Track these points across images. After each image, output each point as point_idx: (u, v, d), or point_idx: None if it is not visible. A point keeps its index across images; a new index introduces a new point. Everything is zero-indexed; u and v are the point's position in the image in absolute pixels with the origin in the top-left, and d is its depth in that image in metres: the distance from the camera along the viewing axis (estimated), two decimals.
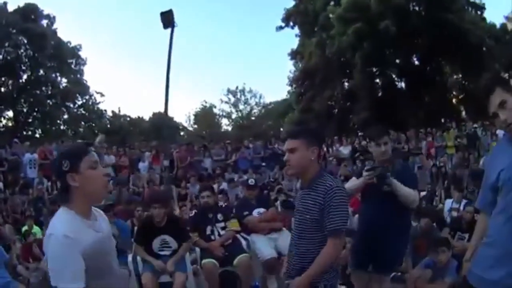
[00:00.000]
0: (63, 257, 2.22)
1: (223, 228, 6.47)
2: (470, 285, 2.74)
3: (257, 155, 17.83)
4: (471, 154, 16.11)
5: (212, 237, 6.38)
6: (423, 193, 11.62)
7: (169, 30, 16.07)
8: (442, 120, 31.00)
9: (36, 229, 10.36)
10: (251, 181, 7.71)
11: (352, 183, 4.70)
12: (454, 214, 9.37)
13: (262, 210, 7.10)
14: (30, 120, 40.24)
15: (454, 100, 35.13)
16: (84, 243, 2.27)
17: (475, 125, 17.77)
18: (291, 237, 3.57)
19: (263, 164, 17.31)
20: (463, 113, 33.82)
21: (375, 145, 4.60)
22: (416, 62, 32.51)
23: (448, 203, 10.18)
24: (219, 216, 6.52)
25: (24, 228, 10.19)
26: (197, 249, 6.46)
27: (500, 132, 14.55)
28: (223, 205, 7.04)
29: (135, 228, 7.12)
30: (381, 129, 4.79)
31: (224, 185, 14.93)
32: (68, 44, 39.82)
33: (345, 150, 17.67)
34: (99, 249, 2.37)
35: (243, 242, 6.77)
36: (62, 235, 2.22)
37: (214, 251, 6.12)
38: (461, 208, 9.23)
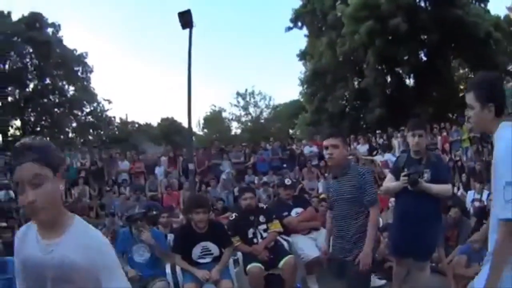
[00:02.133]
0: None
1: (265, 230, 6.29)
2: None
3: (275, 157, 17.66)
4: (484, 147, 16.19)
5: (255, 240, 6.18)
6: None
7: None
8: (451, 115, 31.33)
9: None
10: (288, 181, 7.49)
11: (391, 183, 5.10)
12: (477, 204, 9.91)
13: (299, 209, 7.02)
14: (38, 129, 39.59)
15: (460, 94, 35.06)
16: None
17: None
18: (336, 223, 4.54)
19: (284, 165, 17.09)
20: None
21: (411, 135, 4.95)
22: (424, 58, 32.58)
23: (470, 194, 10.77)
24: (261, 218, 6.32)
25: None
26: (239, 254, 6.25)
27: None
28: (264, 207, 6.77)
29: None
30: (418, 121, 5.19)
31: None
32: (74, 51, 39.66)
33: (363, 149, 17.48)
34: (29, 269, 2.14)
35: (285, 244, 6.60)
36: None
37: (258, 255, 5.94)
38: (484, 198, 9.98)
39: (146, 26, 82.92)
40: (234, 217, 6.62)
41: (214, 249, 5.70)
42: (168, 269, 5.91)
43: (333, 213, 4.63)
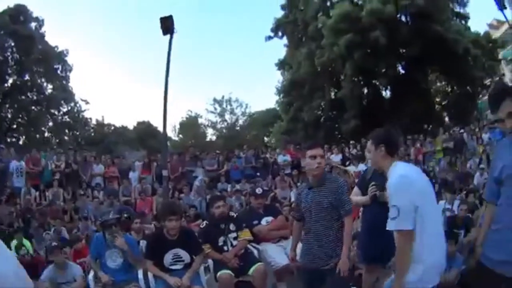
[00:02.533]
0: None
1: (235, 238, 6.42)
2: (484, 266, 3.22)
3: (248, 165, 17.72)
4: (457, 158, 16.81)
5: (225, 248, 6.31)
6: None
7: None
8: (425, 126, 31.70)
9: (26, 242, 10.04)
10: (259, 190, 7.60)
11: (359, 197, 5.43)
12: (448, 214, 10.02)
13: (270, 218, 7.17)
14: (14, 126, 39.22)
15: (437, 107, 35.94)
16: None
17: (462, 131, 18.54)
18: (310, 232, 4.66)
19: (257, 173, 17.14)
20: (446, 118, 35.13)
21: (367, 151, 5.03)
22: (402, 71, 33.08)
23: (441, 204, 10.59)
24: (231, 226, 6.46)
25: (13, 242, 9.71)
26: (210, 261, 6.38)
27: (485, 136, 17.43)
28: (235, 215, 6.91)
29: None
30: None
31: None
32: (56, 49, 38.87)
33: (336, 158, 17.67)
34: None
35: (255, 251, 6.76)
36: None
37: (228, 262, 6.07)
38: (454, 208, 10.20)
39: (127, 29, 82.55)
40: (205, 225, 6.74)
41: (185, 256, 5.79)
42: (140, 275, 6.02)
43: (308, 222, 4.71)
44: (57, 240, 9.41)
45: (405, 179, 3.44)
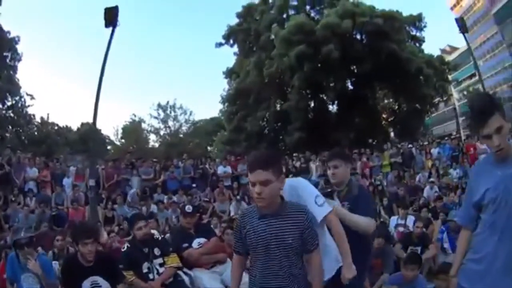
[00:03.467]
0: None
1: (162, 265, 5.72)
2: None
3: (186, 175, 17.20)
4: (406, 171, 17.25)
5: (151, 276, 5.60)
6: None
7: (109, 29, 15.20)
8: (370, 141, 32.73)
9: None
10: (188, 208, 6.67)
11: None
12: (401, 229, 10.15)
13: (202, 240, 6.38)
14: None
15: (383, 122, 37.24)
16: None
17: (410, 145, 19.17)
18: (265, 265, 3.44)
19: (193, 185, 16.71)
20: (392, 134, 36.89)
21: (327, 167, 4.75)
22: (350, 87, 34.12)
23: (393, 220, 10.94)
24: (156, 251, 5.74)
25: None
26: None
27: (434, 151, 18.61)
28: (159, 238, 6.13)
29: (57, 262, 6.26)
30: (332, 152, 4.86)
31: (153, 208, 14.04)
32: (8, 34, 37.49)
33: None
34: None
35: (186, 279, 5.97)
36: None
37: None
38: (408, 223, 10.19)
39: (74, 18, 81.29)
40: (126, 248, 5.98)
41: (104, 285, 5.04)
42: None
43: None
44: None
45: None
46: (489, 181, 2.97)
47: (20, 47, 38.80)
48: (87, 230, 5.13)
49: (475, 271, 3.00)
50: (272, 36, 31.91)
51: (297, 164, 18.57)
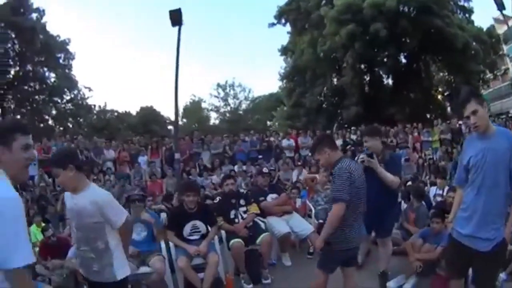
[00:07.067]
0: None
1: (245, 212, 7.12)
2: (453, 238, 3.99)
3: (253, 148, 18.29)
4: (454, 148, 16.91)
5: (236, 220, 7.02)
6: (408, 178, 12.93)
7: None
8: (428, 116, 31.71)
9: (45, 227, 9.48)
10: (265, 169, 8.47)
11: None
12: (438, 199, 10.34)
13: (274, 195, 7.97)
14: (18, 117, 37.87)
15: (439, 97, 36.22)
16: None
17: (460, 122, 18.44)
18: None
19: (260, 156, 17.58)
20: (448, 109, 35.08)
21: (364, 140, 6.05)
22: (404, 61, 33.36)
23: (433, 190, 11.25)
24: (241, 201, 7.18)
25: (33, 226, 9.68)
26: (223, 232, 7.00)
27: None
28: (244, 192, 7.64)
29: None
30: (362, 131, 6.08)
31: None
32: (57, 38, 39.15)
33: (337, 142, 18.06)
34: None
35: (261, 224, 7.44)
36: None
37: (239, 233, 6.76)
38: (444, 193, 10.22)
39: (132, 15, 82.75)
40: (218, 200, 7.56)
41: (201, 227, 6.46)
42: (163, 245, 6.56)
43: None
44: None
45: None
46: (473, 150, 3.82)
47: (72, 47, 40.59)
48: (189, 187, 6.77)
49: (463, 217, 3.88)
50: (322, 13, 31.38)
51: (354, 137, 18.85)
